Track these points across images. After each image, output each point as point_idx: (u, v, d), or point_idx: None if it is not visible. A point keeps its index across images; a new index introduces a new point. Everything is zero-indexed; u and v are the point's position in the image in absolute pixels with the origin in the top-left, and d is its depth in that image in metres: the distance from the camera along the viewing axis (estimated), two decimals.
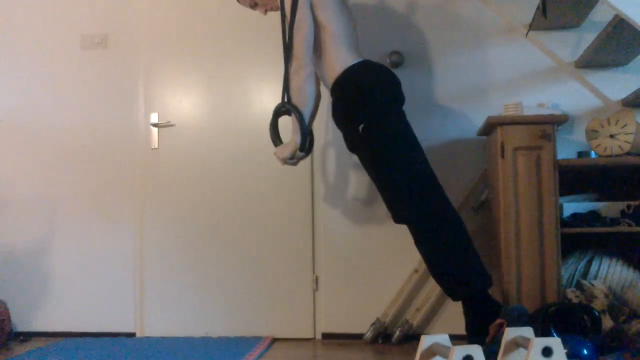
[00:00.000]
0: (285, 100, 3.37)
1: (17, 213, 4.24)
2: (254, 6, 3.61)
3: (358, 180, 3.96)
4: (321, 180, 4.02)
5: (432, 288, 3.80)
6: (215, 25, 4.12)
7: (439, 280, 3.33)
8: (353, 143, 3.36)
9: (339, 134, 3.89)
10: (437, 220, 3.25)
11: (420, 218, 3.26)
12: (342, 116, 3.38)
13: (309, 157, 3.94)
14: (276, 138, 3.49)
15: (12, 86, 4.30)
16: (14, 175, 4.26)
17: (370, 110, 3.28)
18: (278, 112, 3.41)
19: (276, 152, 3.43)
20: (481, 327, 3.12)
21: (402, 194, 3.26)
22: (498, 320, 3.04)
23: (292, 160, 3.42)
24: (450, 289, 3.28)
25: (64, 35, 4.27)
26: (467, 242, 3.29)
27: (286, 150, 3.40)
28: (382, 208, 3.86)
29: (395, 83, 3.43)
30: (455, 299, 3.30)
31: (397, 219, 3.34)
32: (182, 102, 4.13)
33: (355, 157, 3.95)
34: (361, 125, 3.25)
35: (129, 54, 4.19)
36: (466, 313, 3.28)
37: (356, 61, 3.36)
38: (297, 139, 3.36)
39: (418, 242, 3.31)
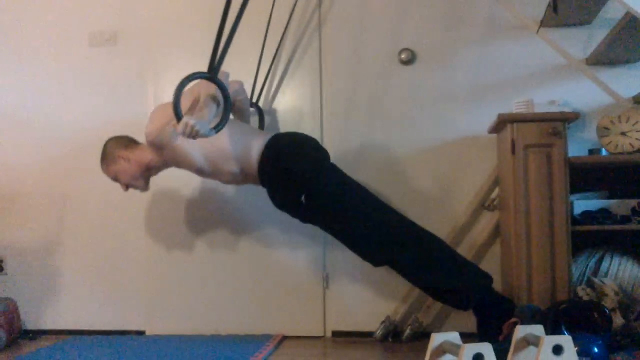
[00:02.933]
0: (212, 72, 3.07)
1: (26, 210, 4.30)
2: (115, 180, 3.60)
3: (367, 178, 4.00)
4: None
5: None
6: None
7: (443, 299, 3.40)
8: (304, 215, 3.42)
9: (343, 133, 3.94)
10: (413, 247, 3.32)
11: (397, 253, 3.33)
12: (282, 196, 3.43)
13: None
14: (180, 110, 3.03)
15: (21, 83, 4.35)
16: (24, 172, 4.32)
17: (304, 177, 3.33)
18: (189, 79, 3.01)
19: (191, 121, 2.94)
20: (493, 325, 3.16)
21: (369, 240, 3.34)
22: (512, 319, 3.07)
23: (193, 134, 2.97)
24: (458, 302, 3.34)
25: (73, 32, 4.32)
26: (449, 251, 3.39)
27: (203, 122, 3.00)
28: (392, 206, 3.91)
29: (313, 141, 3.52)
30: (466, 309, 3.35)
31: (376, 263, 3.43)
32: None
33: (365, 153, 4.00)
34: (302, 196, 3.33)
35: (138, 50, 4.24)
36: (476, 313, 3.32)
37: (264, 144, 3.42)
38: (210, 116, 3.09)
39: (406, 276, 3.39)
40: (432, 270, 3.31)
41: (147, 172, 3.58)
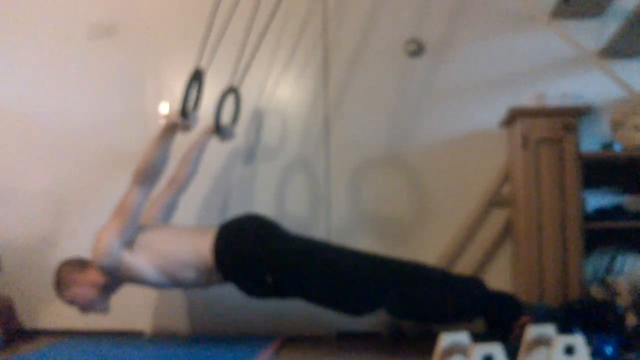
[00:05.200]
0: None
1: (23, 207, 4.28)
2: (71, 304, 3.47)
3: (373, 175, 4.00)
4: (335, 176, 4.06)
5: None
6: (229, 13, 4.14)
7: (446, 322, 3.38)
8: (278, 293, 3.38)
9: (348, 127, 3.94)
10: (396, 288, 3.23)
11: (382, 300, 3.25)
12: (249, 284, 3.40)
13: (324, 157, 4.02)
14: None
15: (17, 77, 4.34)
16: (19, 168, 4.30)
17: (260, 257, 3.31)
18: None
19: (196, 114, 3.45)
20: (502, 325, 3.15)
21: (350, 295, 3.28)
22: (524, 319, 3.06)
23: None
24: (462, 319, 3.31)
25: (70, 24, 4.30)
26: (434, 275, 3.31)
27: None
28: (394, 205, 3.91)
29: (257, 218, 3.53)
30: (471, 321, 3.32)
31: (368, 312, 3.36)
32: (193, 93, 4.15)
33: (371, 148, 4.00)
34: (267, 277, 3.29)
35: (138, 43, 4.22)
36: (483, 316, 3.30)
37: (214, 238, 3.37)
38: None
39: (399, 317, 3.37)
40: (423, 303, 3.23)
41: (105, 293, 3.47)
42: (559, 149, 3.38)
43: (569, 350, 2.25)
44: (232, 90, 3.86)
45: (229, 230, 3.44)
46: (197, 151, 3.74)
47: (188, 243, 3.38)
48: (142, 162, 3.29)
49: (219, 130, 3.76)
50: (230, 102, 3.87)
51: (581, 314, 3.04)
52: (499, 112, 3.78)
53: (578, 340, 2.27)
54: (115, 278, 3.39)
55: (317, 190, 4.03)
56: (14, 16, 4.36)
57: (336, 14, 4.09)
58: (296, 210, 4.06)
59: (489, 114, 3.89)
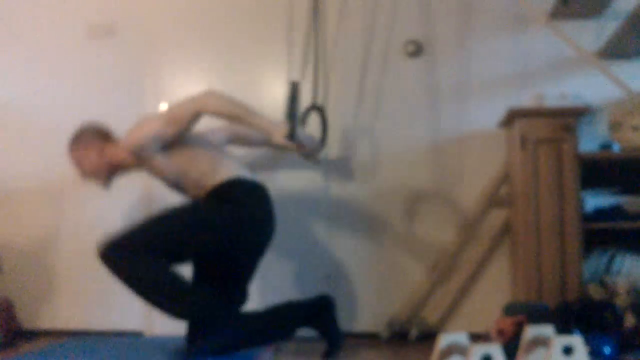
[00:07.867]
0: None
1: (23, 207, 4.29)
2: (75, 165, 3.49)
3: (373, 175, 4.02)
4: (335, 180, 4.08)
5: (450, 285, 3.86)
6: (228, 13, 4.15)
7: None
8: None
9: (348, 129, 3.95)
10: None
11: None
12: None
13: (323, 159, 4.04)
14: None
15: (16, 77, 4.34)
16: (18, 168, 4.31)
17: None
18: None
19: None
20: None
21: None
22: (519, 318, 3.08)
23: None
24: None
25: (70, 24, 4.30)
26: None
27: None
28: (396, 205, 3.93)
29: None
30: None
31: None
32: (193, 93, 4.17)
33: (370, 149, 4.01)
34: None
35: (138, 43, 4.22)
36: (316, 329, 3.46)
37: (217, 182, 3.36)
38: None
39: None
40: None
41: (113, 172, 3.48)
42: (557, 149, 3.39)
43: (568, 350, 2.26)
44: (315, 108, 3.83)
45: (236, 191, 3.38)
46: (254, 137, 3.74)
47: (201, 167, 3.35)
48: (225, 110, 3.27)
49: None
50: (315, 120, 3.84)
51: (580, 314, 3.05)
52: (498, 112, 3.80)
53: (576, 340, 2.27)
54: (132, 163, 3.41)
55: (317, 191, 4.04)
56: (13, 16, 4.36)
57: (335, 15, 4.11)
58: (295, 210, 4.08)
59: (488, 115, 3.91)
